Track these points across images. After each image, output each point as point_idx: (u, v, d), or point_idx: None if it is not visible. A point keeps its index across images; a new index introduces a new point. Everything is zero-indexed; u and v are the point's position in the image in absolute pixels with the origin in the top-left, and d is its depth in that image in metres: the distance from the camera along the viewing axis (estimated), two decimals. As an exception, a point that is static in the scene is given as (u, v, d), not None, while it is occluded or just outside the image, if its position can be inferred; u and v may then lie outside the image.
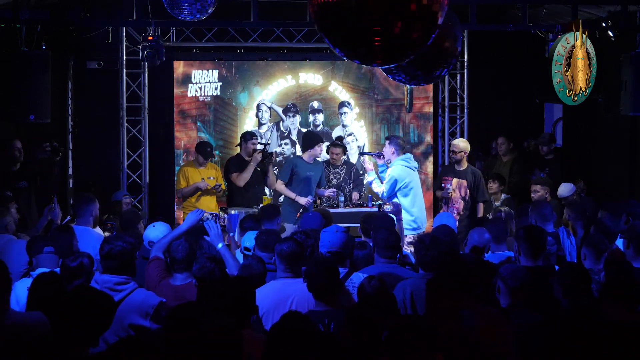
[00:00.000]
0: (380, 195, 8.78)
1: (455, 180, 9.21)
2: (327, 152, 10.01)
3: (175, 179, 10.56)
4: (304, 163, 9.22)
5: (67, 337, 3.65)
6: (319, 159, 9.53)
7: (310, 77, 11.21)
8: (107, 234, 6.67)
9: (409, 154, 8.93)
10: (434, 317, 4.17)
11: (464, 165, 9.25)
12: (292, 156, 10.47)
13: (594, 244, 5.55)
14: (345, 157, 10.20)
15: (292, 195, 9.07)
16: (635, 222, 6.19)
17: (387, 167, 8.84)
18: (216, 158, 10.62)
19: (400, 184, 8.55)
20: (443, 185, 9.31)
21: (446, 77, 11.42)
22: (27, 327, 4.10)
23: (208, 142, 10.33)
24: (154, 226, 5.94)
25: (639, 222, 6.10)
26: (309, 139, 9.39)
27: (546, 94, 10.03)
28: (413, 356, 3.47)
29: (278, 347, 3.53)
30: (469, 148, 9.37)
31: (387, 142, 8.87)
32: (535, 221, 6.73)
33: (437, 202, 10.08)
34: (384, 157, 8.87)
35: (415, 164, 8.83)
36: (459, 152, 9.21)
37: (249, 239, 5.89)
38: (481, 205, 9.32)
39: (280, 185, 9.22)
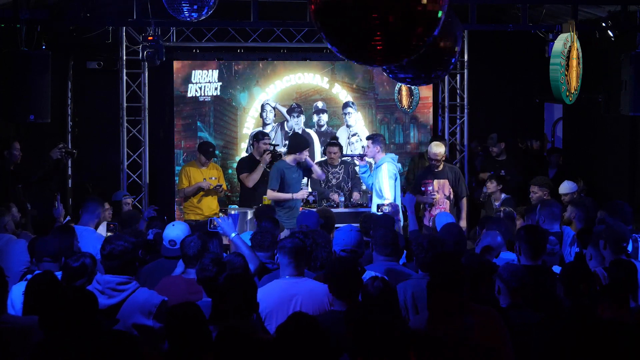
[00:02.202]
0: (388, 201, 8.49)
1: (435, 182, 9.18)
2: (324, 152, 9.98)
3: (177, 178, 10.57)
4: (289, 166, 8.95)
5: (58, 337, 3.66)
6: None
7: (310, 77, 11.21)
8: (109, 234, 6.64)
9: (393, 154, 8.89)
10: (433, 317, 4.16)
11: (441, 165, 9.23)
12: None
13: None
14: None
15: (287, 196, 8.81)
16: (613, 222, 6.17)
17: (369, 168, 8.83)
18: (216, 158, 10.62)
19: (393, 178, 8.54)
20: (423, 189, 9.23)
21: (446, 77, 11.42)
22: (21, 330, 4.10)
23: (210, 142, 10.32)
24: (173, 225, 5.90)
25: (617, 223, 6.09)
26: (298, 144, 9.07)
27: (546, 94, 10.00)
28: (383, 354, 3.47)
29: (284, 348, 3.53)
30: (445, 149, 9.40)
31: (370, 141, 8.77)
32: (544, 219, 6.72)
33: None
34: (364, 158, 8.85)
35: (399, 165, 8.81)
36: (441, 158, 9.19)
37: (245, 239, 5.87)
38: (464, 201, 9.30)
39: (272, 194, 8.83)
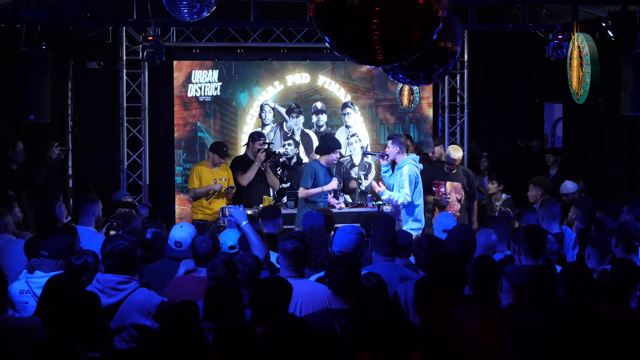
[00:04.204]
0: (403, 203, 8.43)
1: (448, 184, 9.15)
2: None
3: (178, 178, 10.58)
4: (321, 167, 8.92)
5: (59, 338, 3.66)
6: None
7: (310, 77, 11.21)
8: (113, 232, 6.64)
9: (414, 155, 8.86)
10: (424, 316, 4.16)
11: (455, 168, 9.21)
12: (308, 161, 10.08)
13: (598, 244, 5.56)
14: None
15: (317, 190, 8.74)
16: (625, 221, 6.18)
17: (390, 167, 8.79)
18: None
19: (418, 179, 8.49)
20: (435, 189, 9.20)
21: (446, 77, 11.42)
22: (21, 330, 4.10)
23: (222, 142, 10.27)
24: (181, 227, 5.90)
25: (629, 221, 6.09)
26: (330, 145, 9.03)
27: (546, 94, 10.03)
28: (389, 353, 3.48)
29: (270, 349, 3.53)
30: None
31: (390, 141, 8.69)
32: (542, 218, 6.71)
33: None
34: (387, 157, 8.78)
35: (421, 165, 8.78)
36: (458, 163, 9.17)
37: (233, 237, 5.88)
38: (475, 204, 9.28)
39: (304, 191, 8.80)
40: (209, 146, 10.81)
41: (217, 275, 4.80)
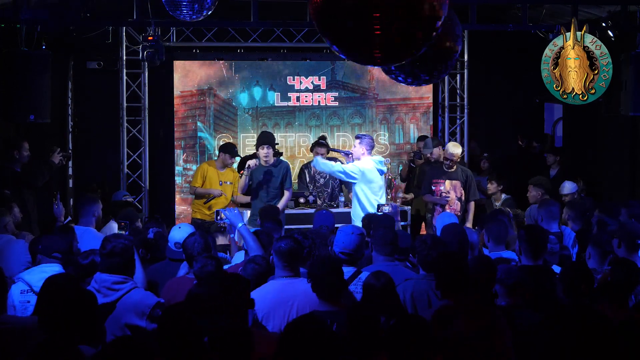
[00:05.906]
0: (338, 171, 8.29)
1: (447, 182, 9.12)
2: (312, 150, 9.80)
3: (178, 178, 10.58)
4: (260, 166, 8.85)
5: (58, 337, 3.66)
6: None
7: (310, 77, 11.20)
8: (122, 232, 6.62)
9: (381, 157, 8.68)
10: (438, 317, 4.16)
11: (454, 166, 9.19)
12: (306, 161, 10.04)
13: (600, 245, 5.55)
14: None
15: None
16: (626, 221, 6.19)
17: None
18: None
19: (366, 177, 8.36)
20: (434, 188, 9.19)
21: (446, 77, 11.41)
22: (21, 330, 4.09)
23: (232, 142, 10.23)
24: (179, 227, 5.90)
25: (630, 221, 6.10)
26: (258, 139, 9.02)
27: (546, 93, 10.01)
28: (412, 356, 3.47)
29: (292, 349, 3.51)
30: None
31: (358, 140, 8.49)
32: (542, 218, 6.71)
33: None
34: (351, 156, 8.65)
35: (384, 169, 8.52)
36: (457, 159, 9.14)
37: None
38: (472, 205, 9.24)
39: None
40: (209, 146, 10.83)
41: (210, 269, 4.81)
